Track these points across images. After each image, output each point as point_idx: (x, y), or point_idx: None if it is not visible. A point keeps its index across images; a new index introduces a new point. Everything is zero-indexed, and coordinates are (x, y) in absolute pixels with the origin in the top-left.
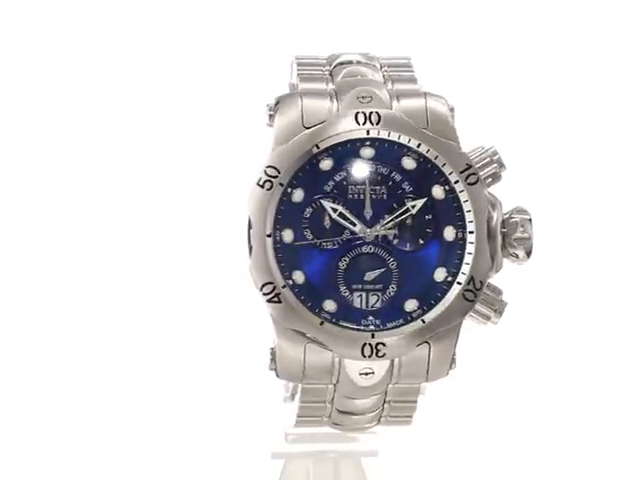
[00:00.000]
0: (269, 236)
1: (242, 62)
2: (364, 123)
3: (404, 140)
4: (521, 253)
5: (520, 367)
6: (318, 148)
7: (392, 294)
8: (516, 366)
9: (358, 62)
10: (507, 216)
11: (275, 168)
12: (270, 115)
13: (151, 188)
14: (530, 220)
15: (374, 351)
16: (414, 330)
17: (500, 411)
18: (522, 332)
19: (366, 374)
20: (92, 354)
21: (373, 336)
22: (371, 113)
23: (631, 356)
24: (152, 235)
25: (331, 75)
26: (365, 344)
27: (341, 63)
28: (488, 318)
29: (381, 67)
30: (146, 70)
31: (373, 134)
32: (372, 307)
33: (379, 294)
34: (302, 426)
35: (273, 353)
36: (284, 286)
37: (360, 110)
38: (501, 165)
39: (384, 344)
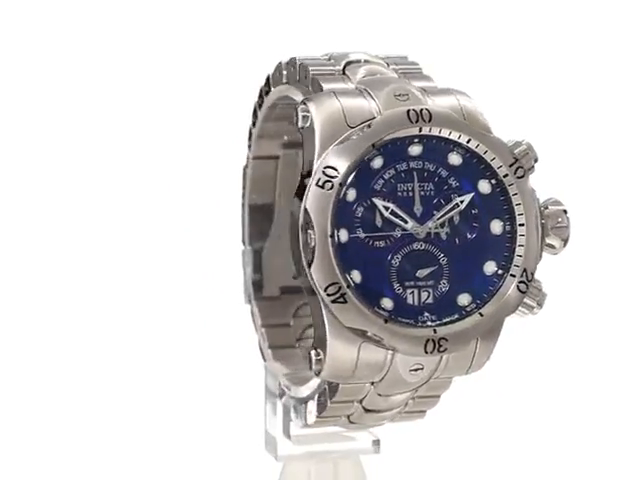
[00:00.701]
0: (331, 236)
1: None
2: (417, 121)
3: (455, 136)
4: (558, 243)
5: (520, 367)
6: (374, 147)
7: (444, 289)
8: (516, 366)
9: (366, 61)
10: (543, 207)
11: (334, 168)
12: (304, 116)
13: (144, 189)
14: (565, 211)
15: (436, 346)
16: (474, 324)
17: (500, 411)
18: (521, 333)
19: (416, 370)
20: (91, 354)
21: (435, 331)
22: (422, 110)
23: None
24: (145, 235)
25: (344, 74)
26: (428, 340)
27: (350, 62)
28: (532, 309)
29: (388, 65)
30: (138, 69)
31: (425, 131)
32: (424, 303)
33: (430, 290)
34: (317, 427)
35: (317, 354)
36: (348, 286)
37: (411, 108)
38: (536, 158)
39: (446, 339)
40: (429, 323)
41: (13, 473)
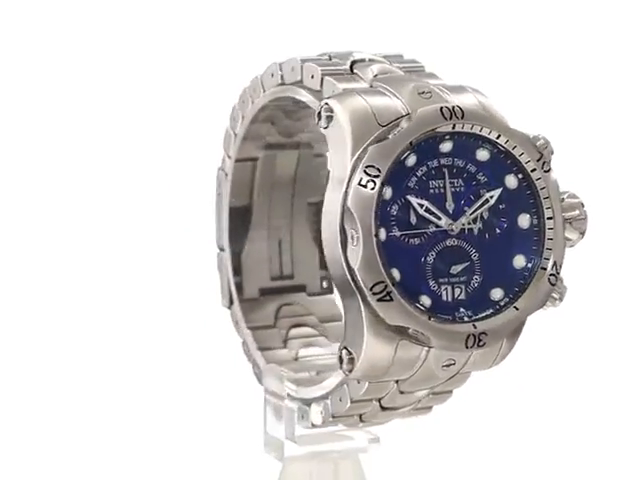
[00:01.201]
0: (375, 235)
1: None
2: (450, 118)
3: (485, 132)
4: (575, 235)
5: (520, 368)
6: (411, 145)
7: (476, 285)
8: (516, 366)
9: (370, 60)
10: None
11: (376, 167)
12: (328, 117)
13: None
14: (582, 204)
15: (476, 341)
16: (511, 318)
17: (500, 411)
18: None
19: (448, 365)
20: (90, 354)
21: (475, 327)
22: (454, 107)
23: None
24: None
25: (353, 73)
26: (469, 335)
27: (355, 61)
28: (554, 302)
29: (390, 63)
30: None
31: (458, 128)
32: (458, 299)
33: (463, 286)
34: (325, 427)
35: (349, 354)
36: (393, 284)
37: (443, 105)
38: (552, 151)
39: (486, 334)
40: (466, 319)
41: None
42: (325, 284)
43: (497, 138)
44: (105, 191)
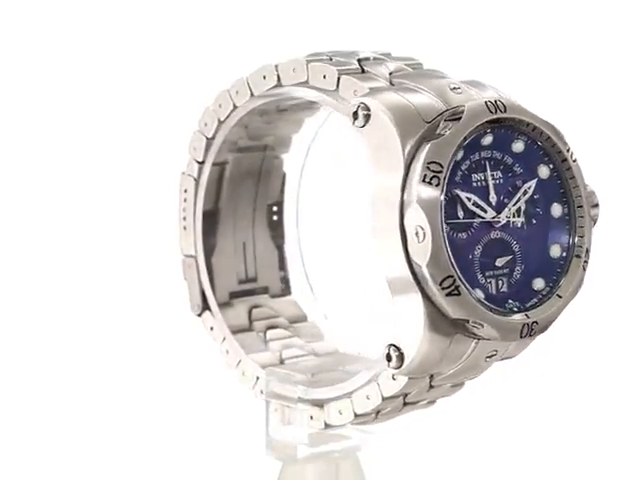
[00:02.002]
0: (442, 230)
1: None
2: (495, 112)
3: (523, 124)
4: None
5: (519, 368)
6: (466, 140)
7: (518, 276)
8: (516, 367)
9: (375, 58)
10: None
11: (439, 164)
12: (366, 115)
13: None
14: (594, 192)
15: (529, 331)
16: (557, 306)
17: (500, 411)
18: None
19: (491, 356)
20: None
21: (528, 316)
22: (496, 101)
23: None
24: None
25: (364, 72)
26: (524, 325)
27: (360, 60)
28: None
29: (392, 61)
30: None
31: (503, 121)
32: (502, 291)
33: (505, 278)
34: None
35: (397, 350)
36: (460, 278)
37: (487, 100)
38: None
39: (537, 323)
40: (515, 309)
41: None
42: (283, 285)
43: (533, 130)
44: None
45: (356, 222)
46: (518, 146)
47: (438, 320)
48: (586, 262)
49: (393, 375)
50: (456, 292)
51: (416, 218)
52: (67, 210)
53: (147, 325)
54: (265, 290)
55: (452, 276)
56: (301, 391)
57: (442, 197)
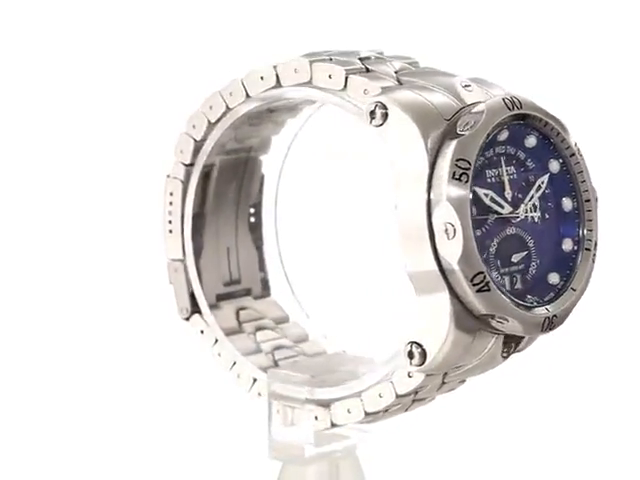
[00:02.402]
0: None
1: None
2: (513, 108)
3: (537, 120)
4: None
5: (519, 368)
6: (488, 137)
7: (534, 271)
8: (516, 367)
9: (375, 57)
10: None
11: (467, 161)
12: (384, 114)
13: None
14: (594, 187)
15: (549, 324)
16: (572, 299)
17: (499, 411)
18: None
19: (508, 351)
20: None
21: (548, 310)
22: (512, 98)
23: None
24: None
25: (368, 71)
26: (545, 319)
27: (362, 59)
28: None
29: (391, 60)
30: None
31: (519, 117)
32: (518, 287)
33: (519, 275)
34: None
35: (419, 347)
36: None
37: (504, 97)
38: None
39: (556, 316)
40: (535, 304)
41: None
42: (263, 286)
43: (545, 125)
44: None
45: (336, 222)
46: (530, 141)
47: (463, 317)
48: (595, 255)
49: (409, 373)
50: (486, 288)
51: (446, 215)
52: (43, 212)
53: (132, 329)
54: (248, 292)
55: (483, 272)
56: (307, 392)
57: (470, 194)
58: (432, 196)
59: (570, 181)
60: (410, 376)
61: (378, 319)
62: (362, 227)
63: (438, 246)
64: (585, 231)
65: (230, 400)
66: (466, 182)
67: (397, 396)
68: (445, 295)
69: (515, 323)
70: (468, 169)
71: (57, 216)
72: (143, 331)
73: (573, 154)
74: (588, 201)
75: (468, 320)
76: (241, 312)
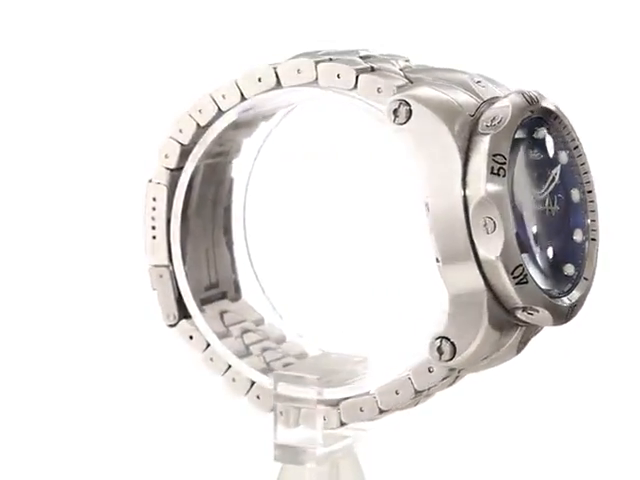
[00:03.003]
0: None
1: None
2: (532, 103)
3: (548, 114)
4: None
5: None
6: (516, 132)
7: (550, 262)
8: (515, 367)
9: (375, 56)
10: None
11: (502, 155)
12: (409, 111)
13: None
14: None
15: (571, 314)
16: (585, 289)
17: (499, 411)
18: None
19: (525, 342)
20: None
21: (570, 300)
22: (530, 93)
23: None
24: None
25: (373, 70)
26: (569, 307)
27: (362, 57)
28: None
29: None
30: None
31: (537, 112)
32: (533, 278)
33: (539, 267)
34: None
35: (449, 342)
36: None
37: (523, 92)
38: None
39: (576, 305)
40: (559, 294)
41: None
42: (235, 288)
43: (555, 119)
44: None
45: (304, 222)
46: (542, 133)
47: (496, 311)
48: (598, 244)
49: (430, 368)
50: (525, 280)
51: (486, 210)
52: (22, 214)
53: (114, 331)
54: (224, 295)
55: (522, 265)
56: (316, 392)
57: (509, 187)
58: (468, 192)
59: (577, 172)
60: (431, 371)
61: (351, 317)
62: (331, 226)
63: (476, 241)
64: (590, 221)
65: (226, 402)
66: (504, 176)
67: (415, 392)
68: (481, 289)
69: (546, 314)
70: (504, 164)
71: (35, 218)
72: (127, 335)
73: (577, 146)
74: (590, 192)
75: (500, 314)
76: (225, 315)
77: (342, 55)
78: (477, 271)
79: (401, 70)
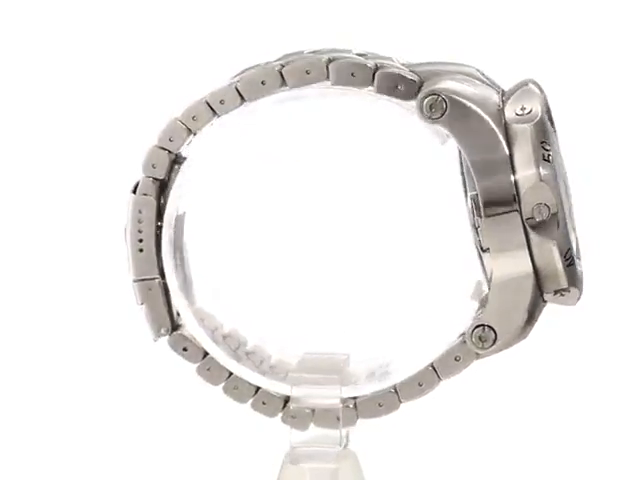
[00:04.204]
0: None
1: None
2: (541, 92)
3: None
4: None
5: (519, 367)
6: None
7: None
8: (515, 367)
9: (367, 54)
10: None
11: (547, 142)
12: (444, 105)
13: None
14: None
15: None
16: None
17: (499, 411)
18: None
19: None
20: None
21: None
22: (534, 81)
23: None
24: None
25: (378, 68)
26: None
27: (363, 55)
28: None
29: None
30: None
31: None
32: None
33: None
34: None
35: (490, 329)
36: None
37: (532, 81)
38: None
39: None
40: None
41: None
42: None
43: (547, 110)
44: None
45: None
46: (554, 125)
47: (535, 294)
48: None
49: (457, 357)
50: (572, 263)
51: (540, 195)
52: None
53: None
54: (193, 302)
55: (570, 248)
56: (334, 391)
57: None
58: (518, 178)
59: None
60: (458, 360)
61: (371, 317)
62: (347, 223)
63: (530, 227)
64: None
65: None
66: (552, 163)
67: (439, 381)
68: (529, 274)
69: (576, 293)
70: (550, 150)
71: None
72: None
73: (555, 130)
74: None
75: (537, 297)
76: (204, 322)
77: (338, 53)
78: (528, 256)
79: (403, 66)
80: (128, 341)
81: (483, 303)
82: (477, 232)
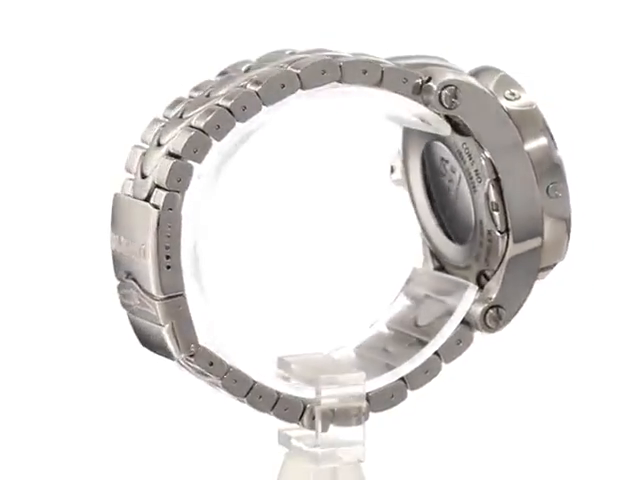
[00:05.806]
0: None
1: None
2: None
3: None
4: None
5: (518, 366)
6: None
7: None
8: (514, 366)
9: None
10: None
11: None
12: (458, 94)
13: None
14: None
15: None
16: None
17: (499, 411)
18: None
19: None
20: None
21: None
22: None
23: None
24: None
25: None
26: None
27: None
28: None
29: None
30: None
31: None
32: None
33: None
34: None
35: (501, 308)
36: None
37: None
38: None
39: None
40: None
41: None
42: None
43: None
44: None
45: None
46: None
47: (535, 274)
48: None
49: (458, 340)
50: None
51: (554, 175)
52: None
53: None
54: None
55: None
56: (360, 389)
57: None
58: (535, 163)
59: None
60: (459, 343)
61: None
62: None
63: (546, 207)
64: None
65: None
66: (557, 148)
67: (444, 365)
68: (539, 246)
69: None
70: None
71: None
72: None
73: None
74: None
75: (539, 272)
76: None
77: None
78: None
79: (388, 60)
80: (128, 341)
81: (483, 284)
82: (491, 215)
